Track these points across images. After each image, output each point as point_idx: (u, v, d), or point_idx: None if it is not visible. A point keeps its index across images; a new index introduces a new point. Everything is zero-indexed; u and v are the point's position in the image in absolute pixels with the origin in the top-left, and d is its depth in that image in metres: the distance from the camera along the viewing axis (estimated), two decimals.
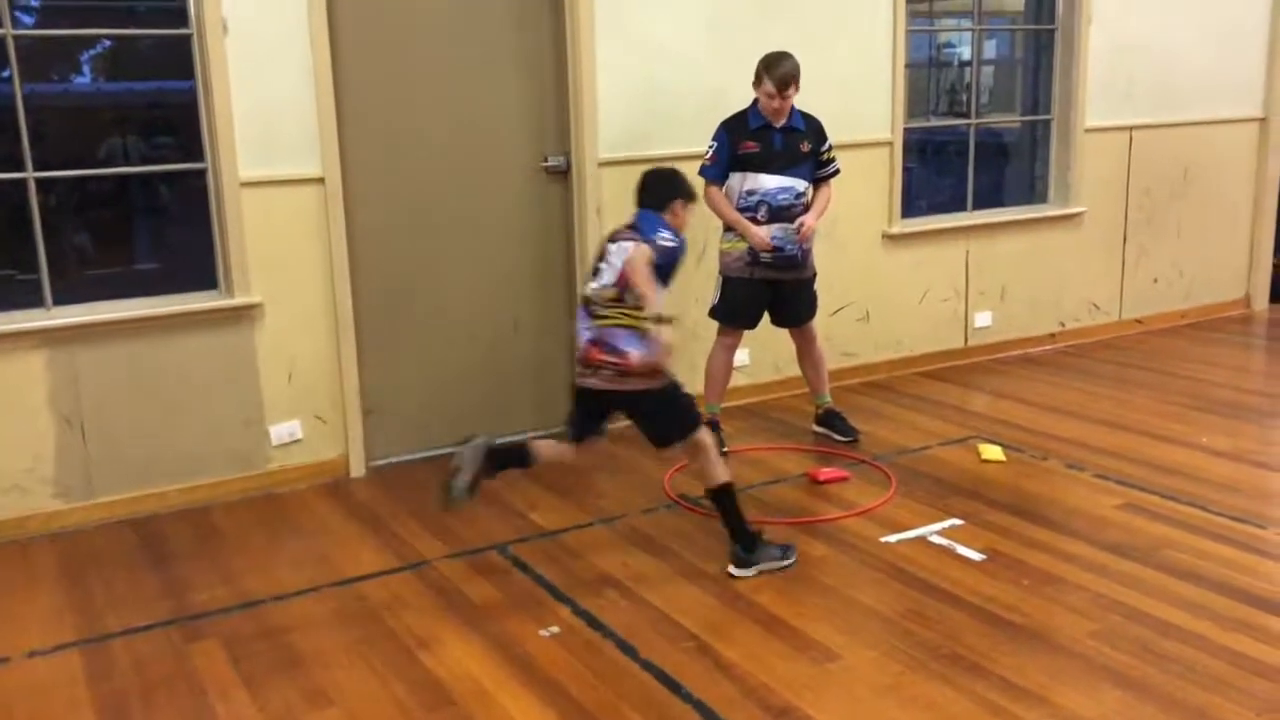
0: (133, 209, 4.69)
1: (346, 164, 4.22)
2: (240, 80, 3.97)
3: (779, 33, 4.79)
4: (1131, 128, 6.19)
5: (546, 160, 4.70)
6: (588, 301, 3.40)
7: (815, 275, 4.54)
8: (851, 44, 5.21)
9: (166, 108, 4.50)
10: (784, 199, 4.29)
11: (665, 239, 3.38)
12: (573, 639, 3.05)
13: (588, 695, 2.76)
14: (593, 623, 3.14)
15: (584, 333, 3.37)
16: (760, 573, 3.38)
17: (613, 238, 3.45)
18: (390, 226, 4.42)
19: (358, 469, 4.40)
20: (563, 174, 4.74)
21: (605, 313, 3.31)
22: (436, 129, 4.45)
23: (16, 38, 3.75)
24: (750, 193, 4.30)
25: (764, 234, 4.27)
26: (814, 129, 4.39)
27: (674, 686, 2.79)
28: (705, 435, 3.40)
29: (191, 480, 4.11)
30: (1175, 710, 2.61)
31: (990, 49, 6.76)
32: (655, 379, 3.27)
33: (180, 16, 3.96)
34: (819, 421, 4.75)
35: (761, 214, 4.30)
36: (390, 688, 2.82)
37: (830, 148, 4.43)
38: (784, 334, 4.67)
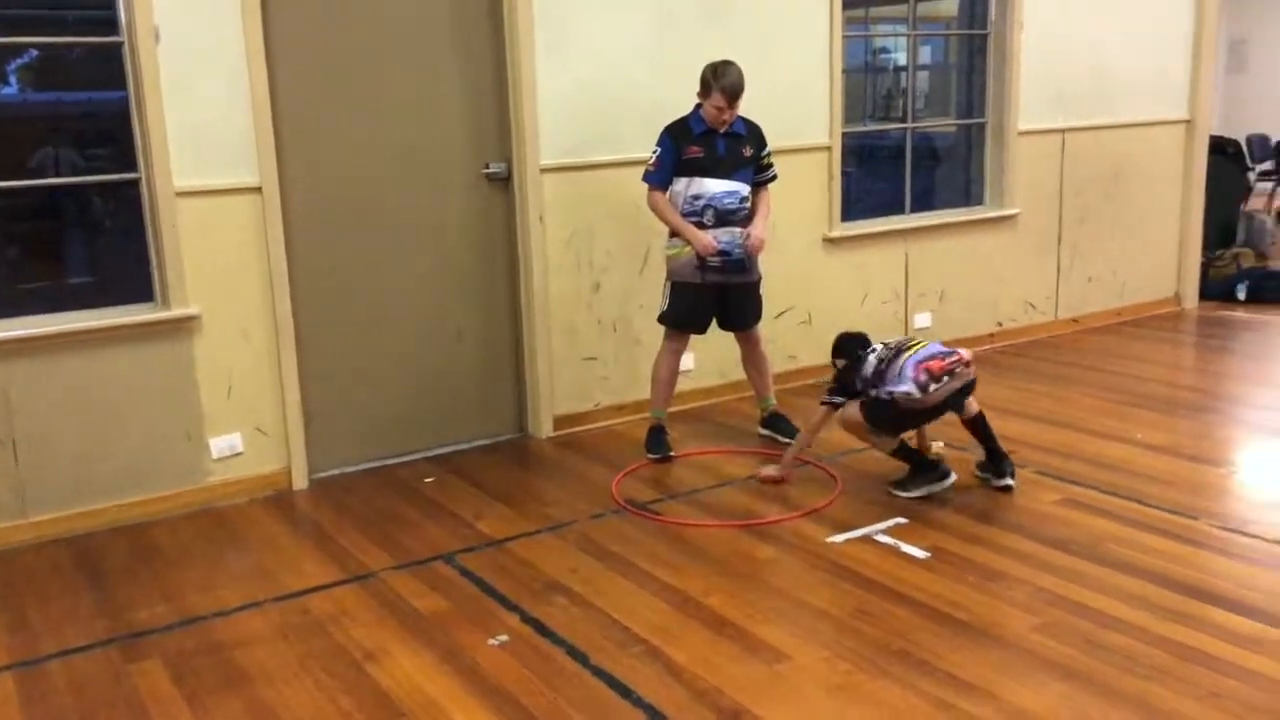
0: (64, 221, 4.59)
1: (284, 173, 4.16)
2: (173, 89, 3.90)
3: (717, 41, 4.83)
4: (1064, 130, 6.32)
5: (488, 167, 4.68)
6: None
7: (761, 279, 4.57)
8: (789, 51, 5.26)
9: (97, 118, 4.42)
10: (729, 203, 4.32)
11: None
12: (522, 647, 3.04)
13: (538, 703, 2.74)
14: (542, 630, 3.12)
15: None
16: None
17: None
18: (330, 235, 4.37)
19: (300, 481, 4.34)
20: (504, 181, 4.73)
21: None
22: (376, 136, 4.42)
23: None
24: (696, 197, 4.31)
25: (708, 238, 4.29)
26: (755, 134, 4.42)
27: (624, 692, 2.78)
28: None
29: (129, 496, 4.02)
30: (1116, 700, 2.66)
31: (925, 54, 6.85)
32: None
33: (110, 25, 3.88)
34: (764, 424, 4.78)
35: (708, 218, 4.32)
36: (337, 702, 2.78)
37: (769, 153, 4.46)
38: (729, 338, 4.70)
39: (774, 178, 4.50)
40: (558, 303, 4.84)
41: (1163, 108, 6.75)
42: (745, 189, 4.37)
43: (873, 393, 3.94)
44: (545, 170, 4.70)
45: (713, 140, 4.31)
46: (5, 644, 3.15)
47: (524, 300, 4.82)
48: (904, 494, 4.00)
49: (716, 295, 4.45)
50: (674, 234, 4.41)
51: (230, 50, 3.98)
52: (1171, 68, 6.73)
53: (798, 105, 5.31)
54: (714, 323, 4.58)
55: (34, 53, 4.25)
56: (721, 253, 4.32)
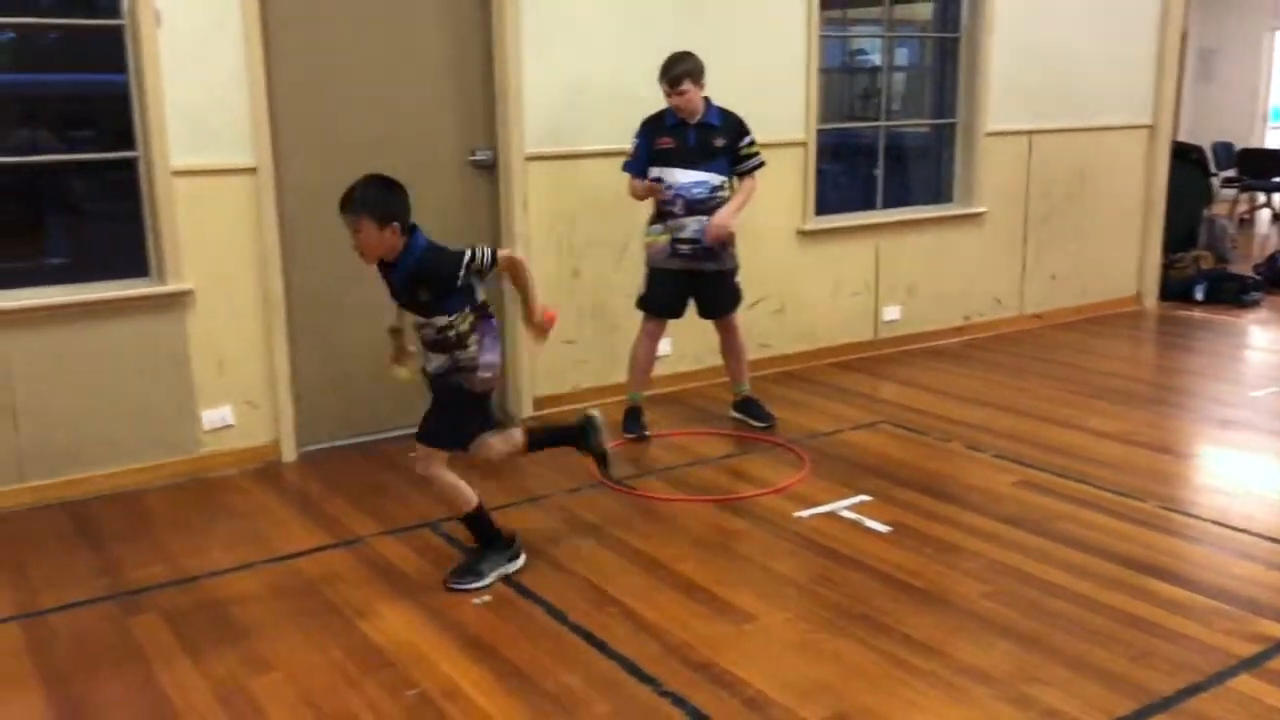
0: (43, 203, 4.61)
1: (279, 154, 4.31)
2: (172, 70, 4.04)
3: (697, 35, 5.00)
4: (1031, 132, 6.54)
5: (474, 154, 4.84)
6: None
7: (737, 268, 4.72)
8: (767, 47, 5.45)
9: (77, 101, 4.49)
10: (698, 192, 4.46)
11: None
12: (504, 607, 3.21)
13: (520, 656, 2.92)
14: (523, 592, 3.30)
15: None
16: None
17: None
18: (321, 216, 4.44)
19: (289, 454, 4.49)
20: (490, 168, 4.89)
21: None
22: (367, 121, 4.56)
23: None
24: (668, 187, 4.48)
25: (643, 187, 4.47)
26: (731, 125, 4.54)
27: (600, 646, 2.96)
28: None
29: (124, 464, 4.16)
30: (1059, 659, 2.87)
31: (901, 56, 7.05)
32: None
33: (87, 6, 3.98)
34: (736, 407, 4.96)
35: (678, 207, 4.48)
36: (329, 653, 2.94)
37: (751, 142, 4.56)
38: (705, 325, 4.86)
39: (758, 165, 4.57)
40: (539, 287, 4.99)
41: (1127, 113, 6.99)
42: (716, 179, 4.49)
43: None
44: (530, 159, 4.86)
45: (684, 131, 4.46)
46: (9, 598, 3.29)
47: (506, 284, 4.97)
48: (472, 584, 3.32)
49: (688, 282, 4.62)
50: (652, 220, 4.58)
51: (228, 34, 4.12)
52: (1136, 75, 6.97)
53: (775, 101, 5.49)
54: (692, 310, 4.75)
55: (9, 34, 4.30)
56: (690, 240, 4.49)
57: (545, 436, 3.79)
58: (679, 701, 2.69)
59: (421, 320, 3.30)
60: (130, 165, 4.13)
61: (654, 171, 4.48)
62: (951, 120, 6.40)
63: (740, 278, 4.75)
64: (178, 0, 4.02)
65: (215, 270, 4.23)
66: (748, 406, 4.92)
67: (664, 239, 4.53)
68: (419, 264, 3.23)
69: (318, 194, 4.45)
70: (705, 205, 4.48)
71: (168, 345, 4.19)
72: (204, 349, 4.26)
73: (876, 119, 6.37)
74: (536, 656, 2.92)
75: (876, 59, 6.81)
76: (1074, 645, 2.93)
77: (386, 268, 3.30)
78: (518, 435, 3.63)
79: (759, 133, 4.91)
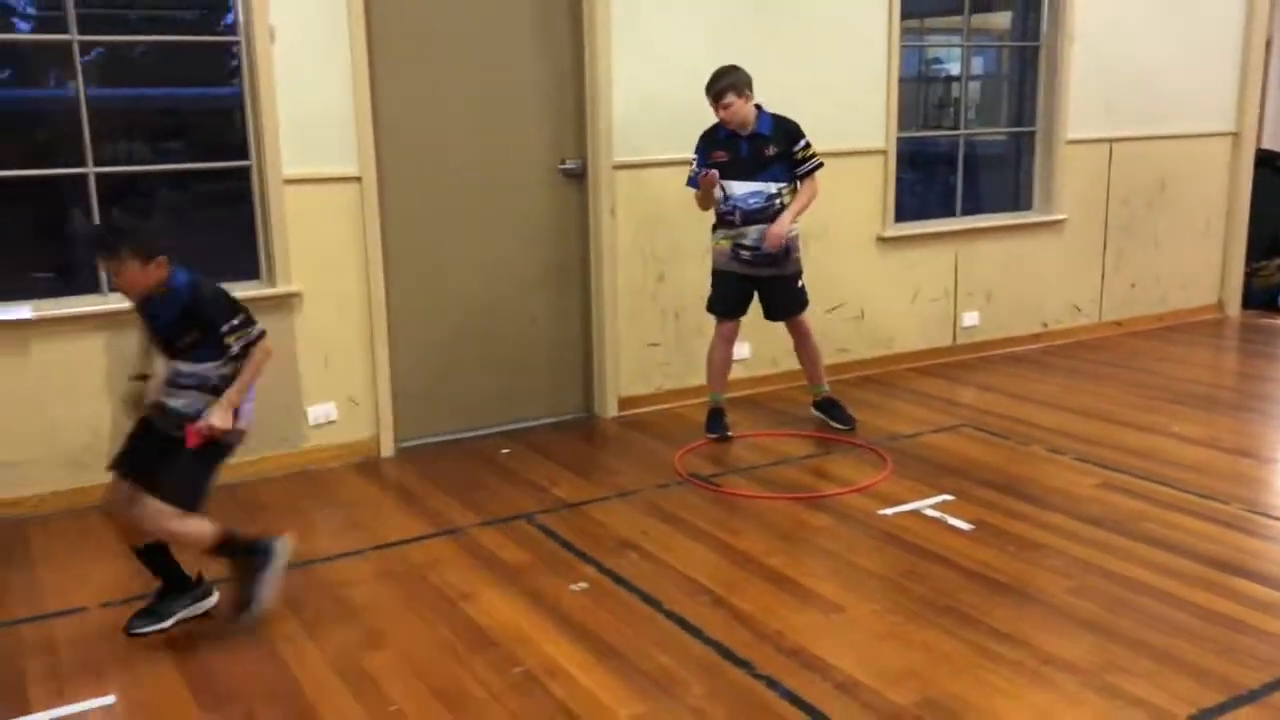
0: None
1: (381, 164, 4.52)
2: (284, 84, 4.27)
3: (778, 46, 5.15)
4: (1111, 140, 6.55)
5: (564, 163, 5.02)
6: None
7: (799, 273, 4.78)
8: (849, 58, 5.55)
9: (170, 114, 4.69)
10: (754, 203, 4.56)
11: None
12: (600, 593, 3.36)
13: (617, 639, 3.06)
14: (617, 580, 3.44)
15: None
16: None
17: None
18: (420, 223, 4.72)
19: (388, 449, 4.69)
20: (579, 177, 5.06)
21: None
22: (464, 133, 4.77)
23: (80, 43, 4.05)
24: (726, 198, 4.60)
25: (703, 197, 4.58)
26: (784, 132, 4.59)
27: (695, 632, 3.09)
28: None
29: (236, 457, 4.37)
30: (1144, 651, 2.93)
31: (977, 65, 7.10)
32: None
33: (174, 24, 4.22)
34: (817, 407, 5.06)
35: (737, 218, 4.60)
36: (437, 632, 3.11)
37: (806, 145, 4.60)
38: (781, 329, 4.97)
39: (817, 167, 4.62)
40: (624, 292, 5.17)
41: (1210, 121, 6.96)
42: (773, 187, 4.57)
43: None
44: (617, 167, 5.02)
45: (736, 144, 4.56)
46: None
47: (593, 289, 5.15)
48: (153, 626, 3.08)
49: (751, 285, 4.73)
50: (715, 226, 4.70)
51: (337, 51, 4.34)
52: (1220, 82, 6.93)
53: (856, 110, 5.60)
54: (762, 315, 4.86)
55: (101, 50, 4.46)
56: (751, 247, 4.60)
57: (233, 546, 3.16)
58: (772, 684, 2.81)
59: (184, 365, 3.02)
60: (233, 174, 4.36)
61: (722, 183, 4.58)
62: (1030, 128, 6.44)
63: (804, 281, 4.82)
64: (290, 17, 4.25)
65: (321, 273, 4.45)
66: (828, 407, 5.01)
67: (726, 244, 4.66)
68: (192, 300, 2.97)
69: (417, 202, 4.70)
70: (763, 214, 4.56)
71: (277, 344, 4.37)
72: (310, 348, 4.48)
73: (951, 127, 6.43)
74: (633, 640, 3.05)
75: (951, 68, 6.87)
76: (1159, 639, 2.99)
77: (147, 305, 3.00)
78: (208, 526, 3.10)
79: (838, 141, 5.03)
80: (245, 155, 4.36)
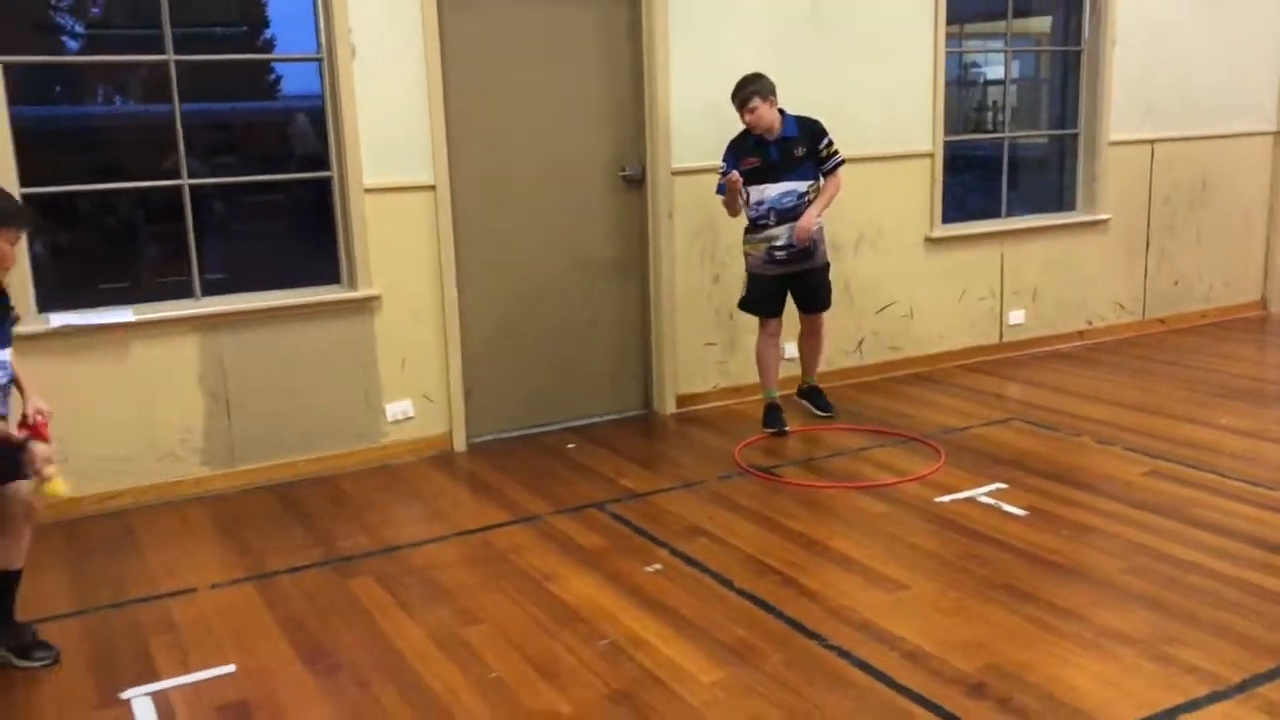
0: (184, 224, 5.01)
1: (454, 173, 4.75)
2: (364, 99, 4.51)
3: (828, 56, 5.34)
4: (1153, 141, 6.68)
5: (624, 170, 5.23)
6: None
7: (829, 265, 5.03)
8: (895, 66, 5.72)
9: (220, 129, 4.94)
10: (788, 202, 4.79)
11: None
12: (675, 574, 3.56)
13: (694, 614, 3.26)
14: (689, 561, 3.64)
15: None
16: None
17: None
18: (489, 229, 4.95)
19: (460, 444, 4.92)
20: (638, 182, 5.27)
21: None
22: (530, 143, 4.99)
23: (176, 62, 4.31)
24: (759, 203, 4.80)
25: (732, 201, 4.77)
26: (809, 132, 4.81)
27: (768, 608, 3.28)
28: None
29: (319, 451, 4.63)
30: (1197, 625, 3.09)
31: (1014, 69, 7.24)
32: None
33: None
34: (800, 394, 5.27)
35: (771, 219, 4.81)
36: (526, 610, 3.32)
37: (830, 143, 4.82)
38: (832, 327, 5.14)
39: (838, 165, 4.83)
40: (682, 293, 5.37)
41: (1251, 121, 7.06)
42: (803, 185, 4.79)
43: None
44: (675, 173, 5.23)
45: (766, 148, 4.77)
46: (240, 563, 3.76)
47: (652, 290, 5.36)
48: None
49: (786, 283, 4.95)
50: (747, 231, 4.91)
51: (412, 67, 4.58)
52: (1260, 82, 7.03)
53: (904, 115, 5.77)
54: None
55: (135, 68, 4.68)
56: (785, 246, 4.81)
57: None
58: (844, 654, 3.00)
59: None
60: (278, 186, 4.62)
61: (746, 190, 4.78)
62: (1073, 130, 6.58)
63: (831, 274, 5.05)
64: (368, 36, 4.49)
65: (398, 277, 4.68)
66: (813, 395, 5.26)
67: (761, 247, 4.86)
68: None
69: (487, 208, 4.94)
70: (795, 213, 4.79)
71: (357, 345, 4.66)
72: (388, 348, 4.72)
73: (990, 130, 6.58)
74: (709, 615, 3.25)
75: (988, 72, 7.02)
76: (1211, 614, 3.15)
77: None
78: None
79: (886, 145, 5.21)
80: (324, 166, 4.61)
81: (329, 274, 4.69)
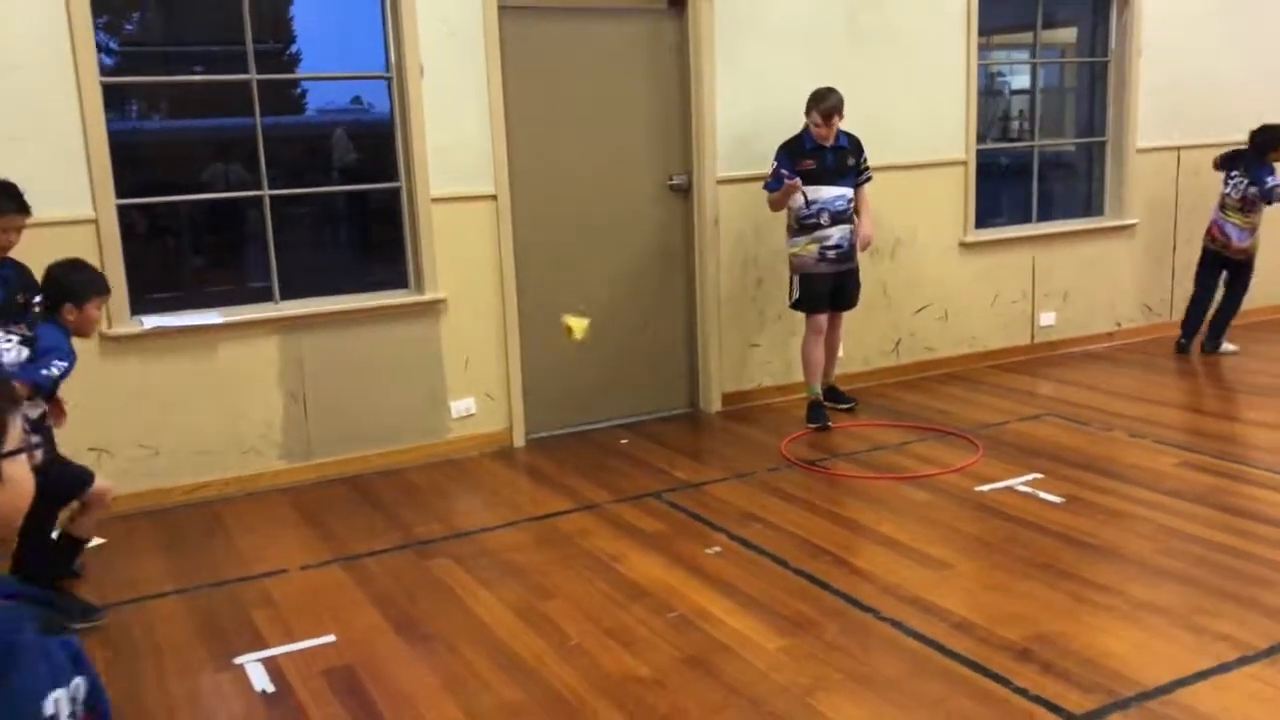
0: (231, 234, 5.27)
1: (513, 183, 5.03)
2: (432, 114, 4.79)
3: (865, 71, 5.58)
4: (1179, 148, 6.88)
5: (672, 179, 5.49)
6: None
7: (859, 267, 5.36)
8: (930, 78, 5.97)
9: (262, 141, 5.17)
10: (839, 204, 5.15)
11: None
12: (733, 555, 3.80)
13: (755, 590, 3.50)
14: (746, 544, 3.89)
15: None
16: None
17: None
18: (546, 236, 5.22)
19: (519, 439, 5.18)
20: (685, 191, 5.53)
21: None
22: (583, 154, 5.26)
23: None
24: (813, 202, 5.11)
25: (783, 194, 5.08)
26: (855, 145, 5.24)
27: (822, 585, 3.53)
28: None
29: (389, 446, 4.91)
30: (1227, 599, 3.31)
31: (1040, 78, 7.45)
32: None
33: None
34: (826, 395, 5.50)
35: (824, 219, 5.11)
36: (596, 586, 3.58)
37: (866, 159, 5.27)
38: (874, 331, 5.38)
39: (870, 179, 5.30)
40: (727, 296, 5.62)
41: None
42: (850, 191, 5.20)
43: None
44: (720, 182, 5.49)
45: (823, 154, 5.12)
46: (325, 547, 4.03)
47: (698, 293, 5.61)
48: None
49: (834, 281, 5.25)
50: (795, 234, 5.18)
51: (475, 84, 4.86)
52: None
53: (937, 124, 6.01)
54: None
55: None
56: (835, 246, 5.13)
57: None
58: (897, 624, 3.24)
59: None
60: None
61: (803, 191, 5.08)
62: (1101, 138, 6.80)
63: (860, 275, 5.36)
64: (434, 55, 4.77)
65: (462, 281, 4.96)
66: (833, 393, 5.54)
67: (813, 249, 5.12)
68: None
69: (544, 216, 5.20)
70: (844, 215, 5.17)
71: (425, 345, 4.93)
72: (453, 349, 4.99)
73: (1015, 138, 6.80)
74: (769, 591, 3.50)
75: (1013, 82, 7.25)
76: (1241, 589, 3.37)
77: None
78: None
79: (922, 153, 5.46)
80: (395, 177, 4.89)
81: (382, 279, 4.98)
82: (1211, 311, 6.53)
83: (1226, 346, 6.45)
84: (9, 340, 3.31)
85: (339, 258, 5.67)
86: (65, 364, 3.31)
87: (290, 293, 4.77)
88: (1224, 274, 6.49)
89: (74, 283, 3.39)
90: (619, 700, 2.88)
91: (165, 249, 5.26)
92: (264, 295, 4.74)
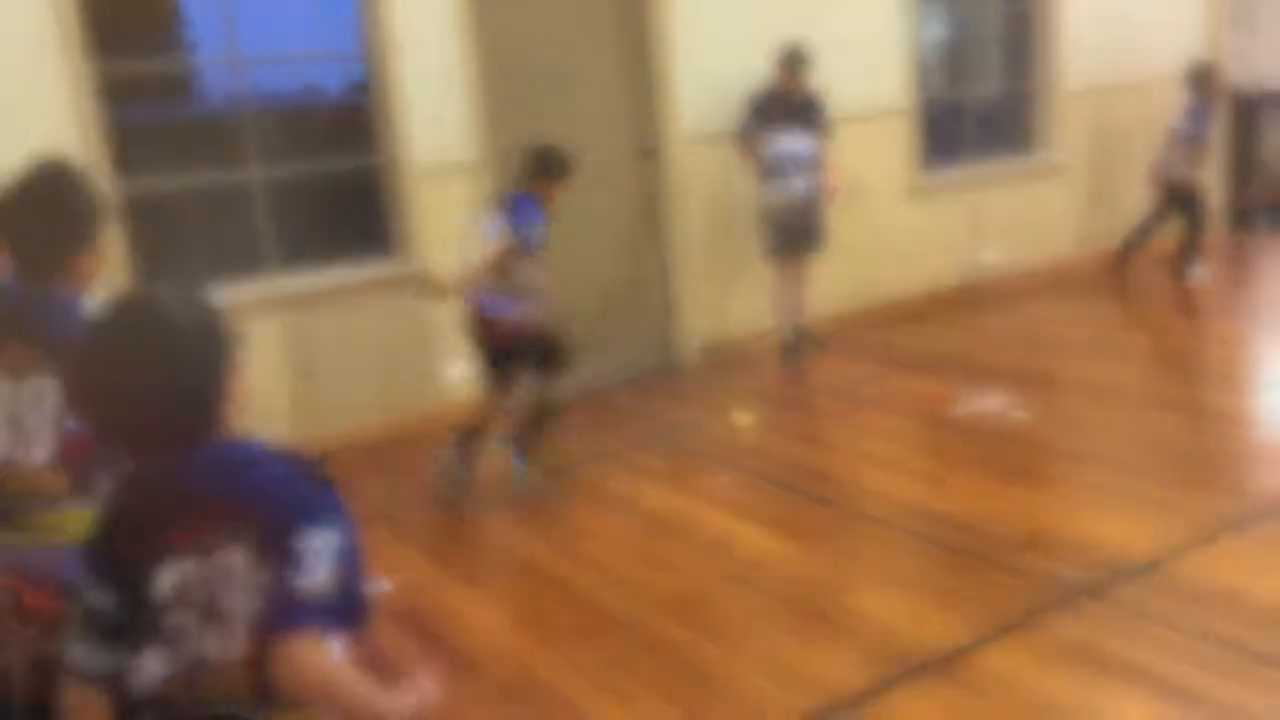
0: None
1: (494, 152, 5.22)
2: (413, 88, 4.98)
3: (817, 32, 5.86)
4: (1100, 89, 7.32)
5: (644, 142, 5.74)
6: None
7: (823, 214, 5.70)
8: (871, 26, 6.30)
9: None
10: (804, 154, 5.51)
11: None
12: (743, 485, 4.13)
13: (773, 513, 3.84)
14: (753, 474, 4.20)
15: None
16: None
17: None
18: None
19: None
20: (654, 153, 5.78)
21: None
22: (560, 122, 5.43)
23: None
24: (783, 150, 5.47)
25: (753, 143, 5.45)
26: (820, 100, 5.58)
27: (830, 504, 3.87)
28: None
29: (382, 415, 5.10)
30: (1193, 484, 3.71)
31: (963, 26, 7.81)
32: None
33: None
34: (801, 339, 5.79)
35: (792, 167, 5.50)
36: (628, 519, 3.90)
37: (829, 112, 5.60)
38: (844, 270, 5.71)
39: (833, 132, 5.63)
40: (700, 249, 5.90)
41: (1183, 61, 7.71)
42: (814, 142, 5.54)
43: None
44: (685, 142, 5.74)
45: (792, 104, 5.47)
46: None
47: (672, 248, 5.88)
48: None
49: (800, 227, 5.59)
50: (764, 182, 5.54)
51: (452, 60, 5.06)
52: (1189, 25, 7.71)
53: (881, 76, 6.35)
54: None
55: None
56: (802, 194, 5.50)
57: None
58: (906, 530, 3.59)
59: None
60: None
61: (771, 138, 5.44)
62: (1027, 80, 7.21)
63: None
64: (417, 35, 4.94)
65: (444, 253, 5.12)
66: (806, 335, 5.79)
67: (783, 196, 5.51)
68: None
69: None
70: (809, 163, 5.52)
71: (417, 315, 5.13)
72: (442, 314, 5.17)
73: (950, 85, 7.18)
74: (785, 512, 3.85)
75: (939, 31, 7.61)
76: (1203, 474, 3.79)
77: None
78: None
79: (865, 100, 5.77)
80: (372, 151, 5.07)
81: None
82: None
83: (1197, 274, 6.69)
84: None
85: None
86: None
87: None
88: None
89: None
90: (674, 616, 3.16)
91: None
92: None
